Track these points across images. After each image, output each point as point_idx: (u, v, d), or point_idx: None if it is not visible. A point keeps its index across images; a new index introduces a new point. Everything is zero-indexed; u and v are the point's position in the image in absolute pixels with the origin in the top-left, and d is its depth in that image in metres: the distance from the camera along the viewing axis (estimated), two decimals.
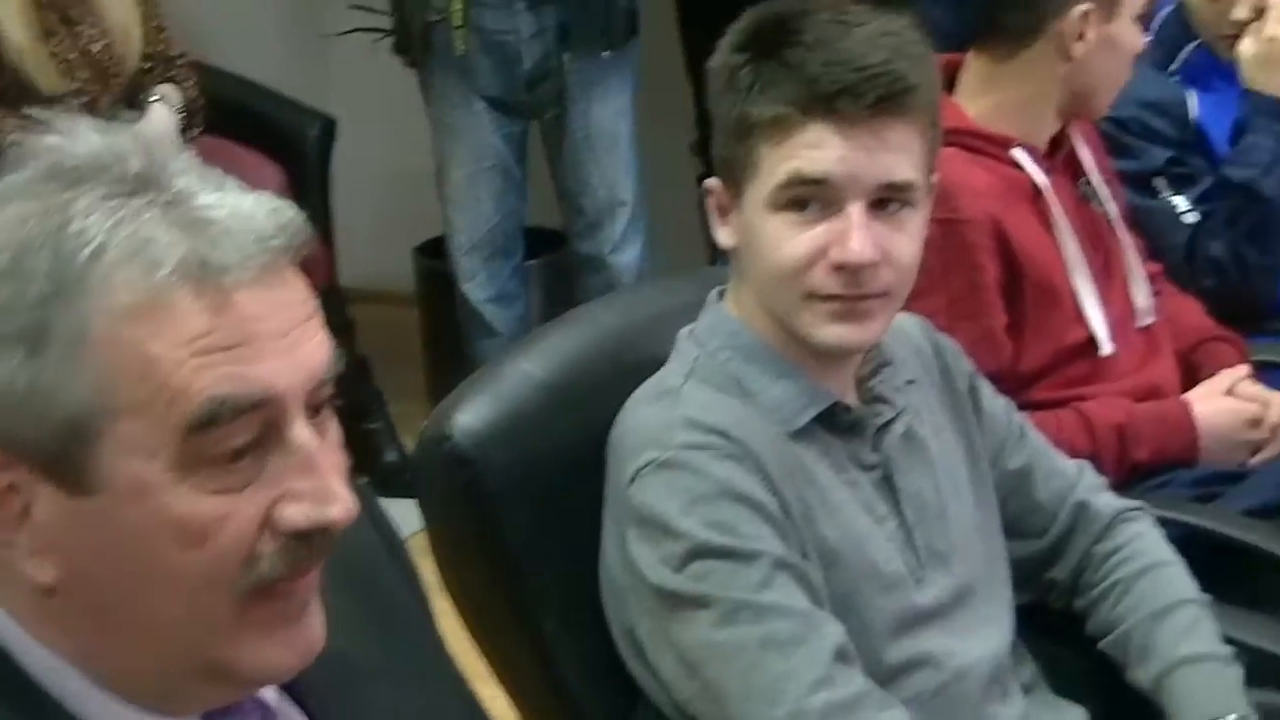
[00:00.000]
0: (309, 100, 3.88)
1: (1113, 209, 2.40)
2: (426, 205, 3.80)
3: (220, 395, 0.99)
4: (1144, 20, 2.47)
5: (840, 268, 1.59)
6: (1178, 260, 2.61)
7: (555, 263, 3.92)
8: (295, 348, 1.03)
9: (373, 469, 3.70)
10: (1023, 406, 2.03)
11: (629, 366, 1.73)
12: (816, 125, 1.58)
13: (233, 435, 1.01)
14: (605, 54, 3.51)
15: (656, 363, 1.71)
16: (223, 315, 1.00)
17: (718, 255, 1.75)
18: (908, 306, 1.70)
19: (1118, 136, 2.61)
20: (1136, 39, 2.33)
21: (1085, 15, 2.25)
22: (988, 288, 2.18)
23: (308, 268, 1.06)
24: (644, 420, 1.64)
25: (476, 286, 3.68)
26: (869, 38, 1.60)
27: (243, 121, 3.65)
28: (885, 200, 1.60)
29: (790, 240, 1.60)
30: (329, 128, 3.80)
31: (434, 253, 3.97)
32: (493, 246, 3.66)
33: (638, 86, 3.65)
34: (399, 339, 4.10)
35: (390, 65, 3.68)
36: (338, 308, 3.56)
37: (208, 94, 3.47)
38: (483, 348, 3.68)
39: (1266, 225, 2.63)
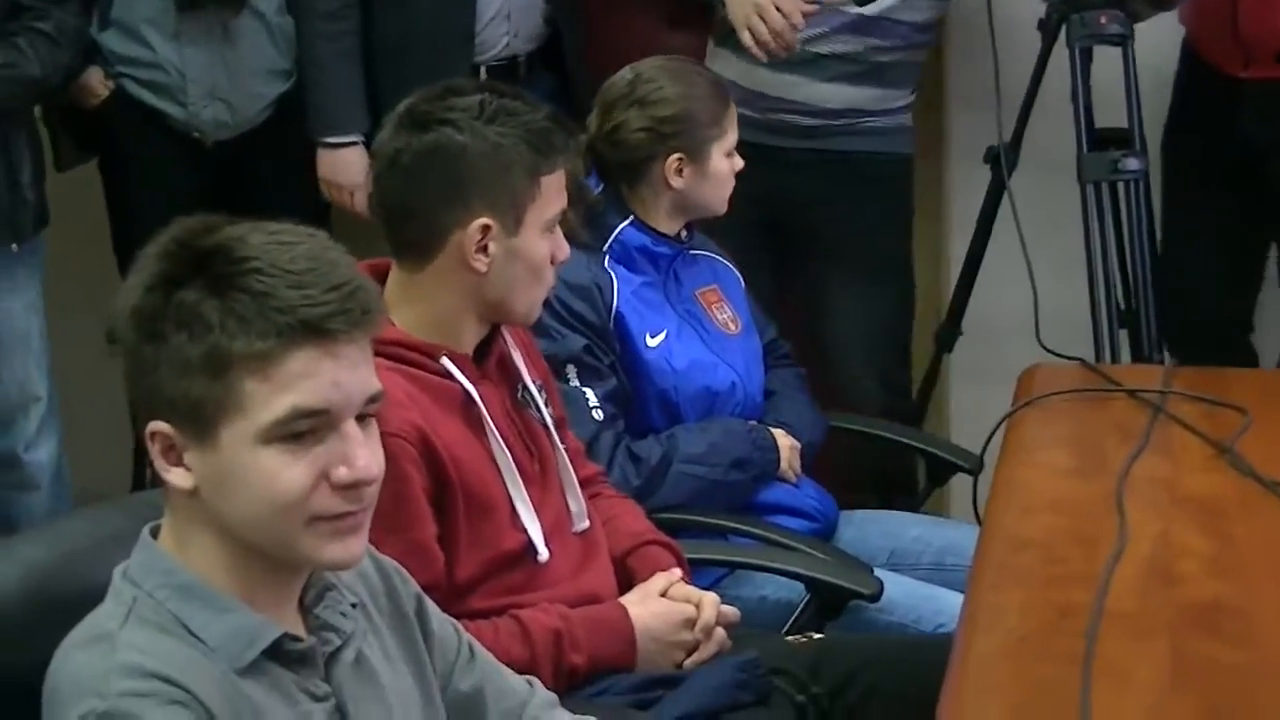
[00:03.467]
0: None
1: (548, 414, 2.42)
2: None
3: None
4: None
5: (349, 486, 1.58)
6: (584, 449, 2.66)
7: None
8: None
9: None
10: (460, 616, 2.02)
11: (60, 605, 1.64)
12: (304, 352, 1.55)
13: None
14: (13, 247, 3.38)
15: (89, 599, 1.62)
16: None
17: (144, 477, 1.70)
18: None
19: (539, 316, 2.61)
20: (545, 249, 2.31)
21: (485, 229, 2.25)
22: (414, 499, 2.16)
23: None
24: (80, 667, 1.55)
25: None
26: (321, 253, 1.58)
27: None
28: (365, 413, 1.60)
29: (290, 469, 1.56)
30: None
31: None
32: None
33: (45, 278, 3.53)
34: None
35: None
36: None
37: None
38: None
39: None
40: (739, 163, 2.92)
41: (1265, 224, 3.56)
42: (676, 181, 2.86)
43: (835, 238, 3.59)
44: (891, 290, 3.67)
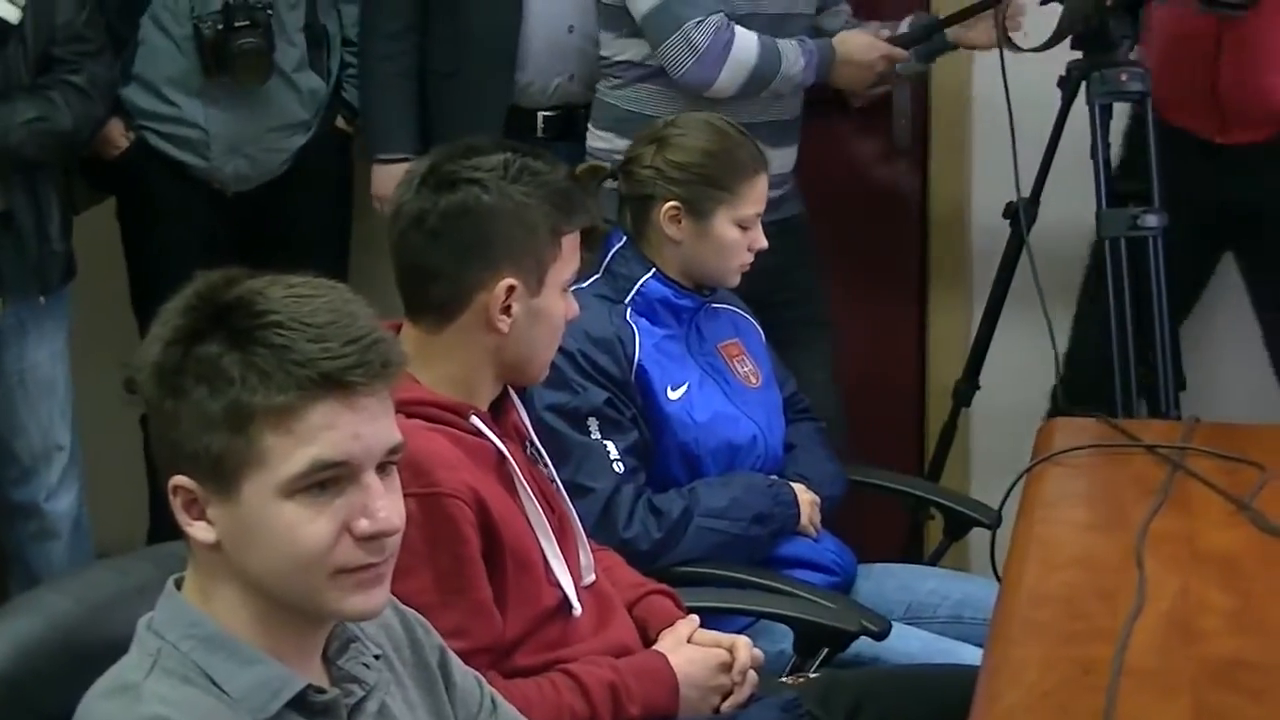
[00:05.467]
0: None
1: (552, 470, 2.43)
2: None
3: None
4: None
5: (371, 538, 1.59)
6: (598, 505, 2.68)
7: None
8: None
9: None
10: (508, 675, 2.02)
11: (85, 656, 1.65)
12: (325, 405, 1.56)
13: None
14: (41, 300, 3.41)
15: (114, 649, 1.64)
16: None
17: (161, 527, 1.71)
18: (394, 587, 1.68)
19: (561, 369, 2.64)
20: (563, 308, 2.33)
21: (510, 289, 2.25)
22: (474, 560, 2.16)
23: None
24: (104, 717, 1.56)
25: None
26: (341, 305, 1.60)
27: None
28: (386, 463, 1.62)
29: (312, 523, 1.57)
30: None
31: None
32: None
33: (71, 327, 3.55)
34: None
35: None
36: None
37: None
38: None
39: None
40: (760, 241, 2.89)
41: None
42: (672, 230, 2.85)
43: (788, 304, 3.56)
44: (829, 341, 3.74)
